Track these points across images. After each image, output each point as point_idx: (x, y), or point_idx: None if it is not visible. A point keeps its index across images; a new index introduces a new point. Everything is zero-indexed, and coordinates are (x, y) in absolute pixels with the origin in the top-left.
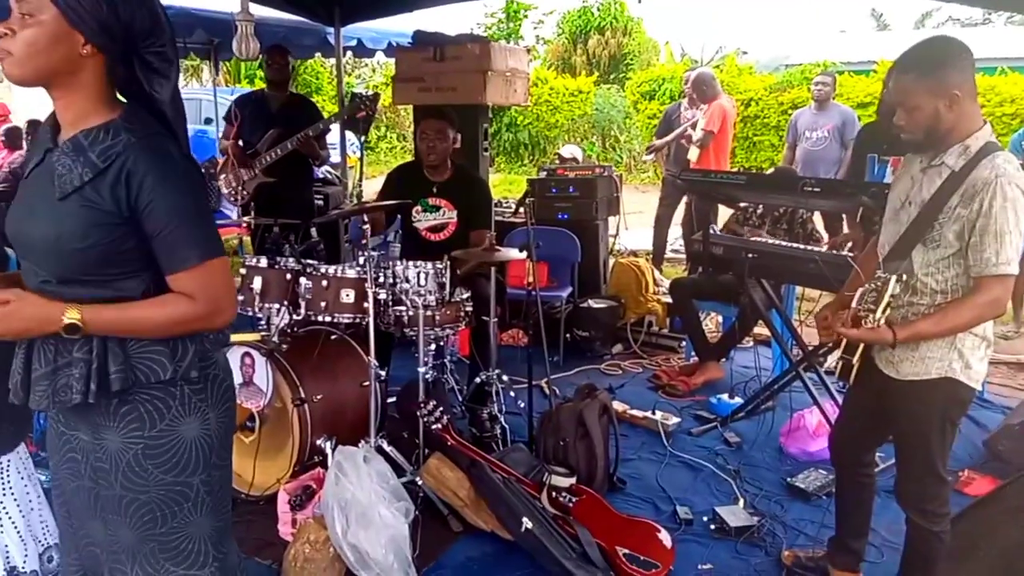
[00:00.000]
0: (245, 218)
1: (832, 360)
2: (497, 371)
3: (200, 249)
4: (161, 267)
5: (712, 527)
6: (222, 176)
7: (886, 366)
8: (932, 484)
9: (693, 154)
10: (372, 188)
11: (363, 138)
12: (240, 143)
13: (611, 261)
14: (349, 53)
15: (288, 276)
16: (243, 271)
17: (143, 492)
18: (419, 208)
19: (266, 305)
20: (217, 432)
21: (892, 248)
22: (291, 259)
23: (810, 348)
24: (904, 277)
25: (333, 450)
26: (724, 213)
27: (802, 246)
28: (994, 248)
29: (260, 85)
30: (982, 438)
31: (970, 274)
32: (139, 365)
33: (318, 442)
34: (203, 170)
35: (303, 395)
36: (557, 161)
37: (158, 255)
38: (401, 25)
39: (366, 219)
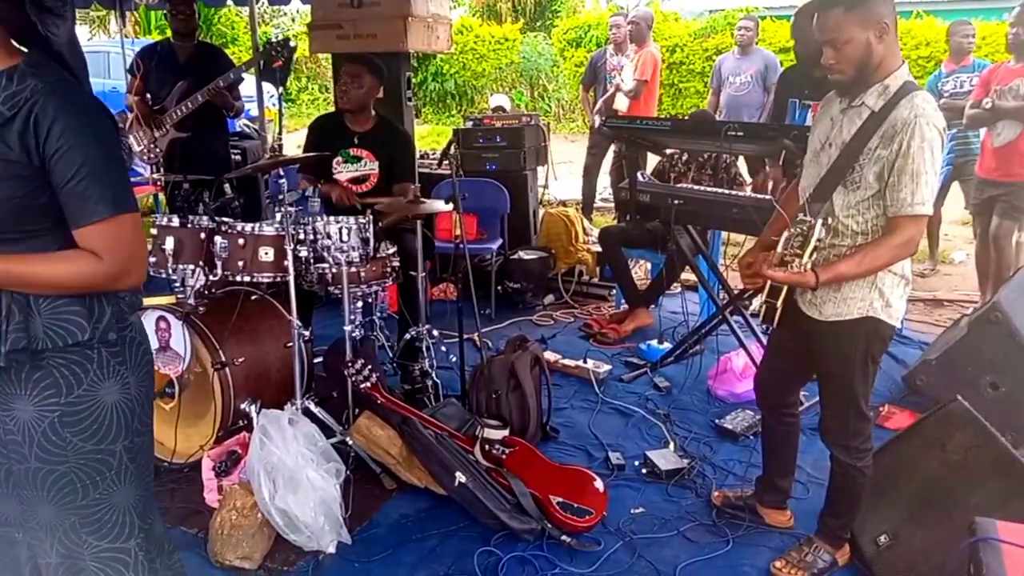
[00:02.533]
0: (154, 175)
1: (757, 303)
2: (427, 326)
3: (110, 203)
4: (68, 221)
5: (644, 471)
6: (132, 133)
7: (809, 308)
8: (855, 421)
9: (622, 103)
10: (293, 141)
11: (281, 89)
12: (147, 97)
13: (541, 211)
14: (264, 1)
15: (202, 235)
16: (154, 231)
17: (61, 463)
18: (340, 159)
19: (180, 266)
20: (138, 396)
21: (814, 190)
22: (205, 217)
23: (736, 292)
24: (829, 220)
25: (257, 414)
26: (653, 161)
27: (727, 191)
28: (910, 188)
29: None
30: (901, 373)
31: (887, 214)
32: (53, 326)
33: (242, 406)
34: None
35: (223, 358)
36: (490, 112)
37: (65, 207)
38: None
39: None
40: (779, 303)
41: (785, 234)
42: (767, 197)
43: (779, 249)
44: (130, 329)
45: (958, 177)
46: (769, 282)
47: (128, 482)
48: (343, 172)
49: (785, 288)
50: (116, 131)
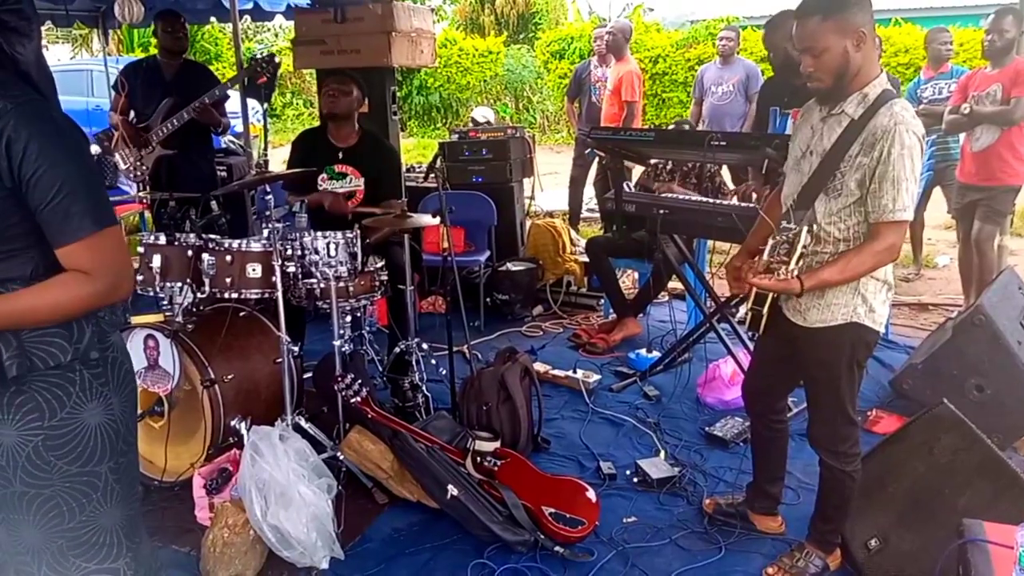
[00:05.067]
0: (140, 193)
1: (743, 311)
2: (417, 339)
3: (94, 217)
4: (51, 241)
5: (635, 480)
6: (118, 151)
7: (794, 314)
8: (843, 425)
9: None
10: (279, 156)
11: (266, 105)
12: (131, 115)
13: (528, 223)
14: (247, 17)
15: (189, 252)
16: (141, 249)
17: (46, 486)
18: (325, 176)
19: (168, 284)
20: (122, 416)
21: (796, 198)
22: (191, 234)
23: (722, 300)
24: (812, 228)
25: (248, 431)
26: (639, 171)
27: (711, 200)
28: (891, 195)
29: (155, 52)
30: (888, 378)
31: (868, 220)
32: (35, 350)
33: (232, 423)
34: (98, 143)
35: (212, 376)
36: (471, 124)
37: (47, 228)
38: None
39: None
40: (765, 310)
41: (771, 241)
42: (751, 205)
43: (765, 256)
44: (111, 349)
45: (939, 182)
46: (755, 289)
47: (114, 503)
48: (329, 189)
49: (771, 295)
50: (87, 145)
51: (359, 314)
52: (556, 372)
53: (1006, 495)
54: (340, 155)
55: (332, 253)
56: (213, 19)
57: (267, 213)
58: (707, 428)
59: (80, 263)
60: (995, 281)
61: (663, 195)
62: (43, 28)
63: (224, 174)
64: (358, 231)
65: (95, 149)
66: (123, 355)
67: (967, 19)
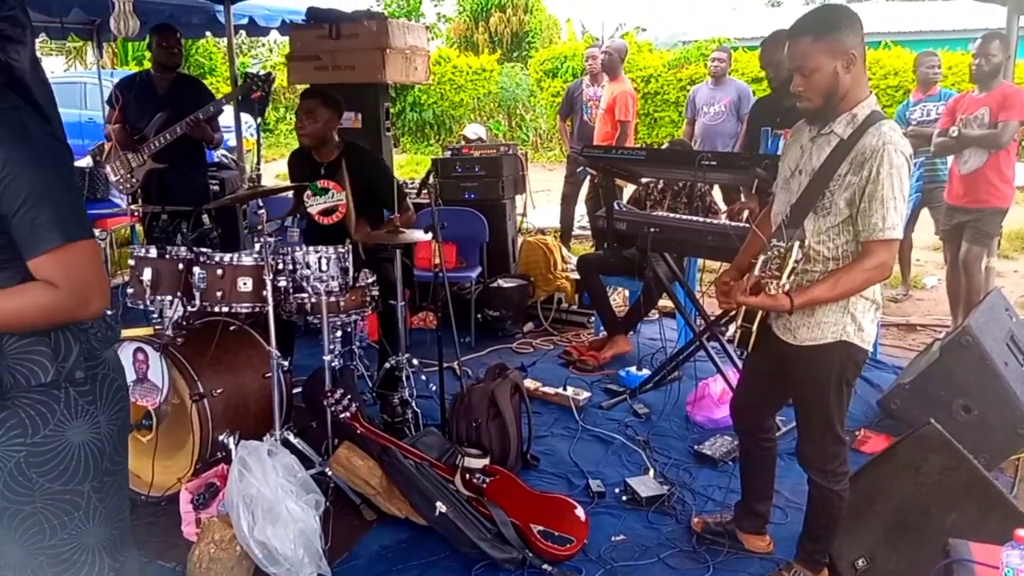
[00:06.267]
0: (132, 206)
1: (733, 329)
2: (407, 355)
3: (62, 230)
4: (22, 252)
5: (624, 498)
6: (109, 163)
7: (783, 333)
8: (831, 444)
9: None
10: (272, 171)
11: (259, 120)
12: (125, 127)
13: (519, 240)
14: (242, 32)
15: (180, 266)
16: (132, 262)
17: (28, 503)
18: (309, 192)
19: (158, 297)
20: (108, 436)
21: (786, 217)
22: (183, 248)
23: (712, 318)
24: (804, 243)
25: (236, 445)
26: (630, 189)
27: (702, 219)
28: (880, 213)
29: (149, 66)
30: (876, 398)
31: (858, 239)
32: (18, 366)
33: (220, 438)
34: (91, 156)
35: (201, 389)
36: (462, 141)
37: (17, 238)
38: (295, 1)
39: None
40: (754, 328)
41: (762, 257)
42: (743, 224)
43: (756, 271)
44: (102, 366)
45: (927, 203)
46: (744, 307)
47: (98, 521)
48: (314, 205)
49: (760, 313)
50: (68, 157)
51: (349, 329)
52: (546, 389)
53: (992, 515)
54: (322, 171)
55: (323, 268)
56: (208, 34)
57: (259, 227)
58: (696, 446)
59: (47, 275)
60: (982, 302)
61: (653, 214)
62: (37, 40)
63: (217, 188)
64: (350, 246)
65: (87, 162)
66: (116, 372)
67: (955, 43)
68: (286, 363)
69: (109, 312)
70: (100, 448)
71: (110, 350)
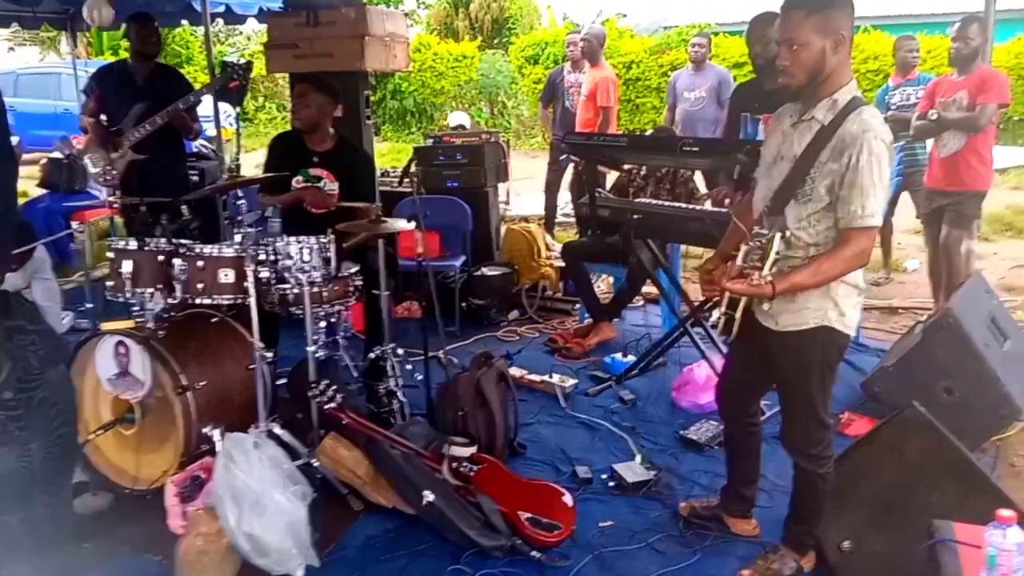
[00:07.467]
0: (110, 198)
1: (716, 315)
2: (392, 345)
3: None
4: None
5: (611, 484)
6: (88, 155)
7: (766, 319)
8: (815, 428)
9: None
10: (251, 160)
11: (238, 109)
12: (103, 118)
13: (503, 228)
14: (219, 21)
15: (160, 258)
16: (111, 255)
17: None
18: (300, 178)
19: (138, 290)
20: (42, 465)
21: (768, 203)
22: (163, 240)
23: (696, 304)
24: (786, 233)
25: (221, 438)
26: (613, 175)
27: (684, 205)
28: (860, 201)
29: (125, 56)
30: (859, 381)
31: (838, 226)
32: None
33: (205, 430)
34: (56, 149)
35: (185, 382)
36: (449, 129)
37: None
38: None
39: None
40: (738, 314)
41: (744, 247)
42: (724, 210)
43: (739, 262)
44: (41, 388)
45: (907, 187)
46: (728, 294)
47: (26, 554)
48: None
49: (743, 299)
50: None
51: (333, 319)
52: (532, 377)
53: (975, 496)
54: (316, 159)
55: (306, 258)
56: (184, 22)
57: (239, 218)
58: (682, 432)
59: None
60: (963, 285)
61: (636, 200)
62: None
63: (196, 178)
64: (332, 235)
65: (56, 155)
66: (60, 395)
67: (934, 27)
68: (270, 355)
69: (66, 322)
70: (29, 478)
71: (59, 369)
